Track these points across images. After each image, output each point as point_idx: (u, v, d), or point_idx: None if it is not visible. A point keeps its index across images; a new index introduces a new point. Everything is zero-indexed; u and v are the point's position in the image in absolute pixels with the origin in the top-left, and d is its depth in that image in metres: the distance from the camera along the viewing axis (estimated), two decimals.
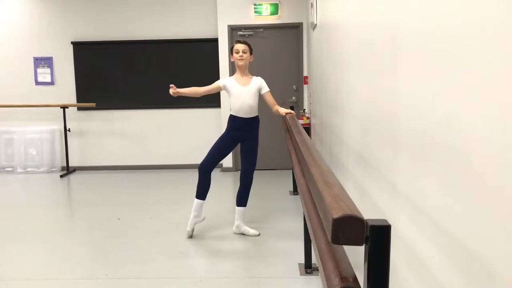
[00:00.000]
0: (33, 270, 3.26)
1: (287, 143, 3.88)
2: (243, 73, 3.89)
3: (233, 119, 3.90)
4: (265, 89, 3.90)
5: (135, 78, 6.88)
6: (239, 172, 6.68)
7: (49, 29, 6.89)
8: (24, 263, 3.39)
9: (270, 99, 3.90)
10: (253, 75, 4.00)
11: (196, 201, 3.88)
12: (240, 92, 3.83)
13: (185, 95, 3.87)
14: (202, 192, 3.87)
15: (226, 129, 3.96)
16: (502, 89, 0.87)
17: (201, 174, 3.87)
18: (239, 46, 3.85)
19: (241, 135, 3.90)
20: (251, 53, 3.92)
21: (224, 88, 3.90)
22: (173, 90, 3.74)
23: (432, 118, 1.27)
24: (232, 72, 6.55)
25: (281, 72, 6.65)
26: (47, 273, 3.21)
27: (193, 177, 6.33)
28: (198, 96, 3.90)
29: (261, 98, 3.97)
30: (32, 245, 3.78)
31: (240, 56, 3.83)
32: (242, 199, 3.94)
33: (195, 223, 3.89)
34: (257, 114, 3.95)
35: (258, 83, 3.90)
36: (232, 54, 3.91)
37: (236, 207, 3.94)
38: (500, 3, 0.87)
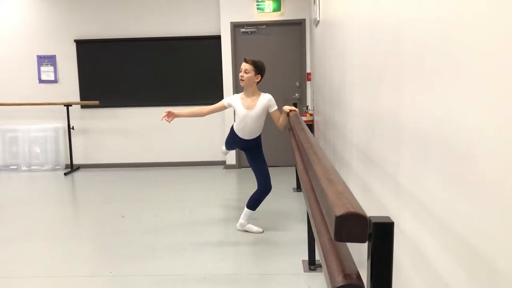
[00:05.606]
0: (37, 268, 3.28)
1: (290, 140, 3.87)
2: (248, 92, 3.76)
3: (234, 134, 3.89)
4: (273, 108, 3.77)
5: (138, 75, 6.89)
6: (243, 169, 6.71)
7: (52, 27, 6.91)
8: (28, 261, 3.41)
9: (277, 116, 3.80)
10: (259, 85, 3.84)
11: None
12: (245, 115, 3.73)
13: (185, 117, 3.85)
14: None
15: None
16: (503, 88, 0.87)
17: None
18: (242, 65, 3.73)
19: (242, 147, 3.92)
20: (258, 73, 3.71)
21: (229, 106, 3.82)
22: (167, 117, 3.74)
23: (435, 116, 1.27)
24: (234, 70, 6.55)
25: (284, 69, 6.64)
26: (51, 271, 3.22)
27: (197, 175, 6.34)
28: (202, 116, 3.88)
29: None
30: (36, 243, 3.80)
31: (241, 75, 3.72)
32: (252, 202, 3.89)
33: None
34: (258, 135, 3.86)
35: (265, 102, 3.74)
36: None
37: (245, 207, 3.92)
38: (501, 3, 0.87)
